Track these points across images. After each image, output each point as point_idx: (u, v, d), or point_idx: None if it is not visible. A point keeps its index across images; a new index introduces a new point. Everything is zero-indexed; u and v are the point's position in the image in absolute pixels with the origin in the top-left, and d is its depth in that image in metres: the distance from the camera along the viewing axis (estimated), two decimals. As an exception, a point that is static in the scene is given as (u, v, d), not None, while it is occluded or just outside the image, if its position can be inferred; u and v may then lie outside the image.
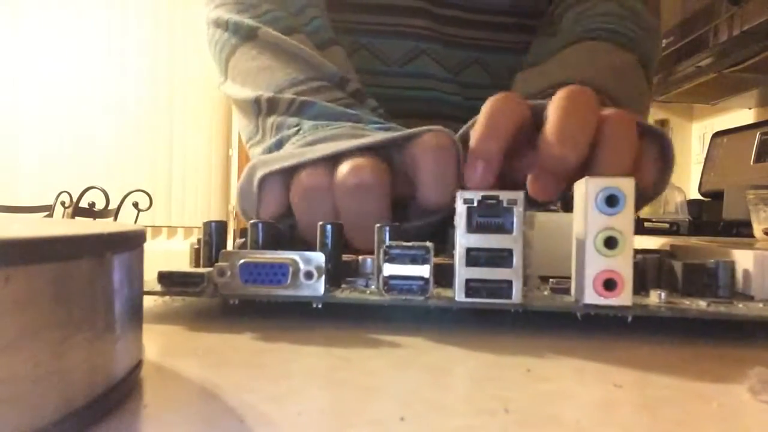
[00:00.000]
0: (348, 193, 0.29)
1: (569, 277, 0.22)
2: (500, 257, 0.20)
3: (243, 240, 0.28)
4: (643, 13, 0.49)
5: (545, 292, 0.23)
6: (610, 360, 0.17)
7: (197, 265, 0.27)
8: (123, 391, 0.13)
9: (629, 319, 0.20)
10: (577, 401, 0.14)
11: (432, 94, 0.53)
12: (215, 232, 0.26)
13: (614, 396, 0.14)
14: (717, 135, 1.53)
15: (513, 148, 0.28)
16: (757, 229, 0.92)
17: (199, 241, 0.27)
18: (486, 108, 0.29)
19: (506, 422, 0.12)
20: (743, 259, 0.23)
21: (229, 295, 0.21)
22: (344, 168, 0.29)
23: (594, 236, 0.19)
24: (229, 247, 0.27)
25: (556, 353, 0.18)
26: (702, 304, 0.21)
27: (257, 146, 0.41)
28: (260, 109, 0.40)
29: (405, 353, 0.18)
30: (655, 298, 0.21)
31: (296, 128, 0.37)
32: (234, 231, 0.29)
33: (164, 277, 0.22)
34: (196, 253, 0.28)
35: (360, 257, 0.25)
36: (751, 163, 1.31)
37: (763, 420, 0.13)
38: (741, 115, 1.65)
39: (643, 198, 0.32)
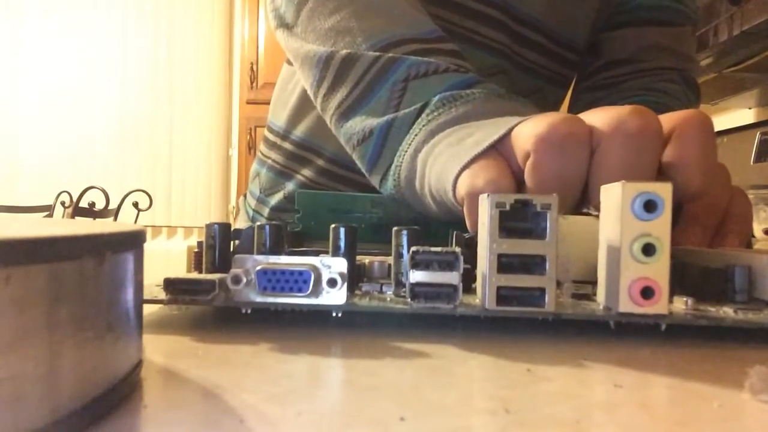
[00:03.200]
0: (628, 139, 0.24)
1: (587, 282, 0.22)
2: (533, 263, 0.19)
3: (238, 242, 0.27)
4: (692, 90, 0.57)
5: (567, 299, 0.22)
6: (610, 360, 0.17)
7: (198, 270, 0.26)
8: (123, 391, 0.13)
9: (663, 327, 0.19)
10: (577, 401, 0.14)
11: None
12: (219, 235, 0.24)
13: (614, 396, 0.14)
14: (717, 135, 1.53)
15: None
16: (757, 229, 0.92)
17: (199, 244, 0.26)
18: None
19: (506, 422, 0.12)
20: (760, 263, 0.22)
21: (243, 304, 0.19)
22: (623, 112, 0.25)
23: (630, 243, 0.18)
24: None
25: (556, 353, 0.18)
26: (729, 311, 0.20)
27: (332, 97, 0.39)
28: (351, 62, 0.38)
29: (404, 353, 0.18)
30: (681, 304, 0.21)
31: (421, 105, 0.34)
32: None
33: (171, 284, 0.20)
34: (197, 257, 0.26)
35: (368, 260, 0.24)
36: (751, 163, 1.31)
37: (763, 420, 0.13)
38: (741, 115, 1.64)
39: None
